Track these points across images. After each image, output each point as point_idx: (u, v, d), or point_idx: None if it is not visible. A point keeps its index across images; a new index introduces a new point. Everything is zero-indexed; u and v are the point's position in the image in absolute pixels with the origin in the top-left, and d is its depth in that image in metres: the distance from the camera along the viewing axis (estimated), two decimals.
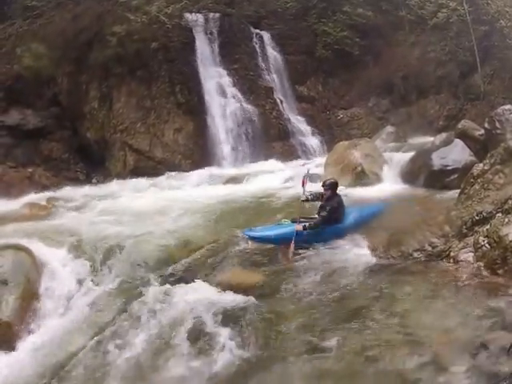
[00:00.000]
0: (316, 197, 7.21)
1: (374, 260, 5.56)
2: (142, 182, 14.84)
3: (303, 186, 7.38)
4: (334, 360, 3.63)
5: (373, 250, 5.84)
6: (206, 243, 6.86)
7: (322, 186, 7.01)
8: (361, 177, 10.85)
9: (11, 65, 16.92)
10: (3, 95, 16.71)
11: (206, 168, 15.72)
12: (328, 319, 4.32)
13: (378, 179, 10.82)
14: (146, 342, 4.34)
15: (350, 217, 7.05)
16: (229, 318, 4.51)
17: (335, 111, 19.63)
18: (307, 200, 7.28)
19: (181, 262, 6.24)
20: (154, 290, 5.22)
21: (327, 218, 6.63)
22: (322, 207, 6.87)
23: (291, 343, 3.99)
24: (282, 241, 6.58)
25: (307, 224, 6.56)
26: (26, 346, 4.55)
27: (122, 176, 15.92)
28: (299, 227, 6.50)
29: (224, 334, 4.24)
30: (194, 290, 5.21)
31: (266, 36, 19.18)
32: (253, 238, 6.77)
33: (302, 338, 4.05)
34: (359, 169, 10.96)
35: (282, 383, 3.57)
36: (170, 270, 6.08)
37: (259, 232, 6.83)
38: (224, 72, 17.87)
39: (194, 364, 3.94)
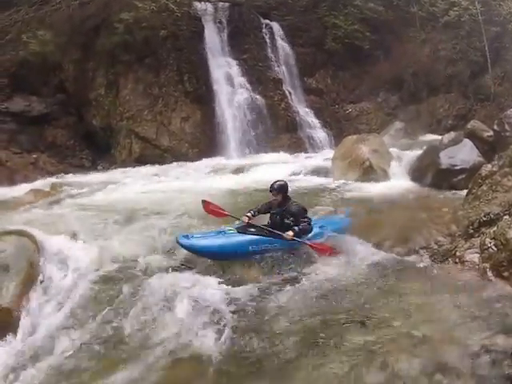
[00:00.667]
0: (263, 209, 6.20)
1: (379, 255, 5.47)
2: (148, 170, 14.85)
3: (224, 215, 6.40)
4: (334, 357, 3.58)
5: (379, 245, 5.77)
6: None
7: (270, 190, 6.03)
8: (368, 172, 10.76)
9: (16, 51, 16.77)
10: (8, 82, 16.61)
11: (212, 158, 15.77)
12: (330, 315, 4.25)
13: (385, 175, 10.73)
14: (146, 327, 4.35)
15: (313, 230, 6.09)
16: (227, 313, 4.45)
17: (344, 105, 19.51)
18: (250, 219, 6.08)
19: (182, 253, 6.16)
20: (156, 279, 5.17)
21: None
22: (282, 214, 5.94)
23: (292, 340, 3.92)
24: (226, 256, 5.61)
25: (297, 228, 5.71)
26: (26, 332, 4.47)
27: (127, 164, 15.90)
28: (290, 234, 5.63)
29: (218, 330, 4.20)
30: (196, 281, 5.14)
31: (276, 27, 19.02)
32: (188, 248, 5.65)
33: (303, 334, 3.98)
34: (367, 164, 10.87)
35: (282, 381, 3.52)
36: (170, 260, 5.98)
37: (197, 240, 5.66)
38: (233, 62, 17.76)
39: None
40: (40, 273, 5.25)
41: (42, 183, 13.42)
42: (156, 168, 14.95)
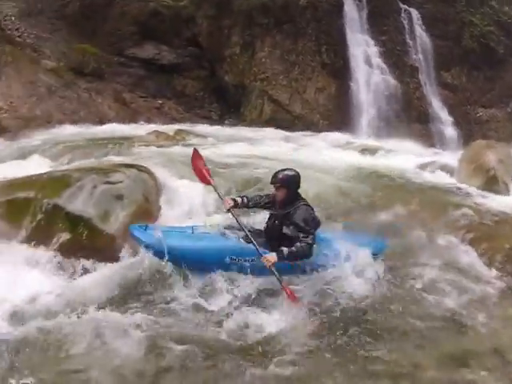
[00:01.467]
0: (258, 202, 4.54)
1: (486, 269, 5.13)
2: (276, 133, 14.36)
3: (207, 181, 4.84)
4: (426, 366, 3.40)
5: (488, 258, 5.34)
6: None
7: (272, 182, 4.32)
8: (491, 182, 9.92)
9: (146, 2, 16.72)
10: (136, 29, 16.75)
11: (342, 132, 15.06)
12: (420, 322, 3.97)
13: (506, 189, 9.89)
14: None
15: (329, 248, 4.38)
16: None
17: (476, 107, 18.41)
18: (236, 205, 4.42)
19: None
20: None
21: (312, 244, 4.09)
22: (282, 219, 4.21)
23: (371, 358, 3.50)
24: (199, 264, 4.13)
25: (286, 251, 3.94)
26: (128, 261, 4.41)
27: (256, 123, 15.61)
28: (270, 259, 3.90)
29: None
30: None
31: (414, 13, 18.16)
32: (147, 246, 4.15)
33: (384, 352, 3.59)
34: (492, 173, 10.05)
35: None
36: None
37: (158, 235, 4.20)
38: (371, 41, 17.11)
39: None
40: (154, 208, 5.31)
41: (166, 127, 13.26)
42: (284, 133, 14.46)
